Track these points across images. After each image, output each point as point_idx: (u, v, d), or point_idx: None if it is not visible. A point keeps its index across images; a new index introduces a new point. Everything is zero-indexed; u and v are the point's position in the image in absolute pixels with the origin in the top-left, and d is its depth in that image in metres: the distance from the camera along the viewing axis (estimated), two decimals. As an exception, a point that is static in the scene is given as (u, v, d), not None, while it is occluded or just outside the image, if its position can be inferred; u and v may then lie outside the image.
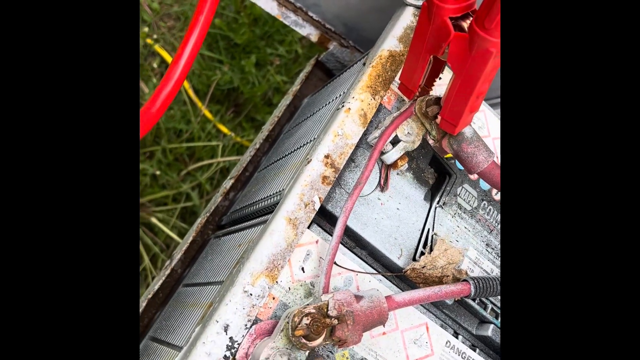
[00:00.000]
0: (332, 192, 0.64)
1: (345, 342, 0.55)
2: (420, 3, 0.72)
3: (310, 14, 0.99)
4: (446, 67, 0.65)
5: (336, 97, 0.77)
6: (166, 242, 1.44)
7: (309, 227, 0.61)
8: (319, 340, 0.54)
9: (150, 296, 0.92)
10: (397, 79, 0.69)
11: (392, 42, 0.70)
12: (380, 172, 0.67)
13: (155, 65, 1.55)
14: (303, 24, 1.00)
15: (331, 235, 0.62)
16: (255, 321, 0.57)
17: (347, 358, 0.62)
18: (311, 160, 0.62)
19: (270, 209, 0.71)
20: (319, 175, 0.62)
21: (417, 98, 0.65)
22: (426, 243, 0.68)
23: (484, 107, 0.76)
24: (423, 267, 0.66)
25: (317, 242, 0.61)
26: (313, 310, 0.54)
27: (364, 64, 0.71)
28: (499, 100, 1.03)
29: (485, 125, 0.76)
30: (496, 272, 0.73)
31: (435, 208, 0.70)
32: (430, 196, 0.70)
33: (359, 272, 0.64)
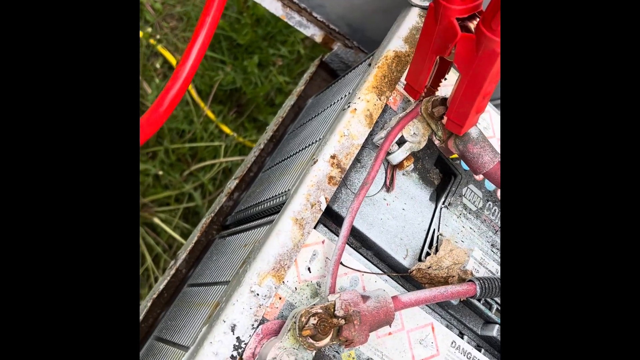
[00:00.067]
0: (338, 192, 0.64)
1: (352, 342, 0.55)
2: (425, 4, 0.72)
3: (315, 14, 0.99)
4: (451, 68, 0.65)
5: (341, 98, 0.77)
6: (169, 242, 1.44)
7: (315, 228, 0.61)
8: (326, 340, 0.54)
9: (155, 296, 0.92)
10: (402, 79, 0.69)
11: (397, 42, 0.70)
12: (386, 173, 0.67)
13: (158, 65, 1.55)
14: (307, 24, 1.00)
15: (337, 236, 0.62)
16: (262, 321, 0.57)
17: (354, 358, 0.62)
18: (317, 160, 0.62)
19: (276, 209, 0.71)
20: (325, 176, 0.62)
21: (423, 99, 0.65)
22: (432, 243, 0.68)
23: (489, 107, 0.76)
24: (429, 268, 0.66)
25: (323, 242, 0.62)
26: (320, 310, 0.54)
27: (370, 65, 0.71)
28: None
29: (491, 125, 0.76)
30: (501, 272, 0.73)
31: (441, 208, 0.70)
32: (436, 196, 0.71)
33: (364, 272, 0.64)
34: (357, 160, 0.66)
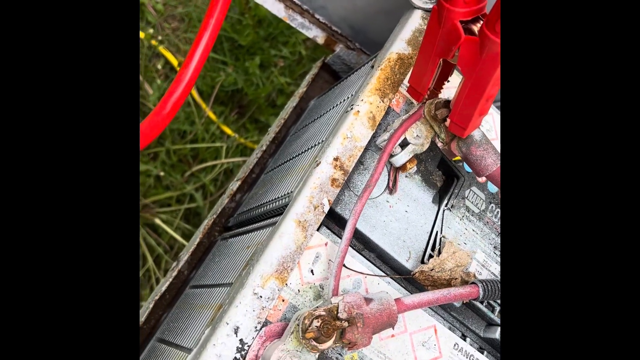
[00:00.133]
0: (341, 194, 0.64)
1: (355, 345, 0.55)
2: (428, 6, 0.72)
3: (317, 16, 0.99)
4: (454, 70, 0.65)
5: (344, 100, 0.77)
6: (170, 243, 1.44)
7: (318, 230, 0.61)
8: (329, 343, 0.54)
9: (157, 297, 0.92)
10: (405, 81, 0.69)
11: (400, 45, 0.70)
12: (389, 175, 0.67)
13: (159, 66, 1.55)
14: (310, 26, 1.00)
15: (340, 238, 0.62)
16: (265, 323, 0.57)
17: (356, 360, 0.62)
18: (320, 162, 0.62)
19: (279, 211, 0.71)
20: (328, 178, 0.62)
21: (426, 101, 0.65)
22: (434, 245, 0.68)
23: (492, 110, 0.76)
24: (431, 270, 0.66)
25: (326, 244, 0.62)
26: (323, 313, 0.54)
27: (372, 67, 0.71)
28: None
29: (493, 128, 0.76)
30: (504, 274, 0.73)
31: (444, 211, 0.70)
32: (439, 199, 0.71)
33: (367, 274, 0.64)
34: (360, 162, 0.66)
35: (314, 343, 0.53)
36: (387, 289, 0.65)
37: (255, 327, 0.56)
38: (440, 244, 0.68)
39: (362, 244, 0.67)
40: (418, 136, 0.65)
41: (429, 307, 0.70)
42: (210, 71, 1.57)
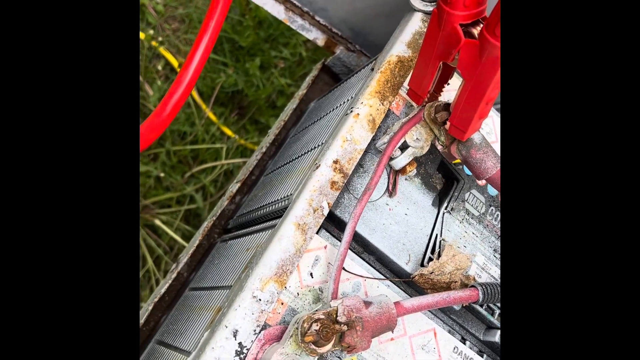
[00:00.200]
0: (340, 197, 0.64)
1: (355, 348, 0.55)
2: (428, 9, 0.72)
3: (317, 18, 0.99)
4: (454, 73, 0.65)
5: (344, 102, 0.77)
6: (170, 244, 1.44)
7: (317, 233, 0.61)
8: (328, 346, 0.54)
9: (156, 299, 0.92)
10: (405, 84, 0.69)
11: (400, 47, 0.70)
12: (389, 178, 0.67)
13: (159, 67, 1.55)
14: (310, 28, 1.00)
15: (340, 241, 0.62)
16: (264, 326, 0.57)
17: (356, 364, 0.62)
18: (320, 165, 0.62)
19: (278, 214, 0.71)
20: (328, 181, 0.62)
21: (426, 104, 0.65)
22: (434, 249, 0.68)
23: (492, 113, 0.76)
24: (431, 273, 0.66)
25: (325, 247, 0.61)
26: (322, 316, 0.54)
27: (372, 69, 0.71)
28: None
29: (493, 131, 0.76)
30: (503, 277, 0.73)
31: (443, 214, 0.70)
32: (438, 202, 0.70)
33: (367, 277, 0.64)
34: (359, 165, 0.66)
35: (313, 346, 0.53)
36: (386, 292, 0.65)
37: (254, 331, 0.56)
38: (440, 247, 0.68)
39: (362, 246, 0.67)
40: (418, 139, 0.64)
41: (429, 310, 0.70)
42: (211, 72, 1.57)
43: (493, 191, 0.74)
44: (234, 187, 1.01)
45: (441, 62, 0.60)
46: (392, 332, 0.62)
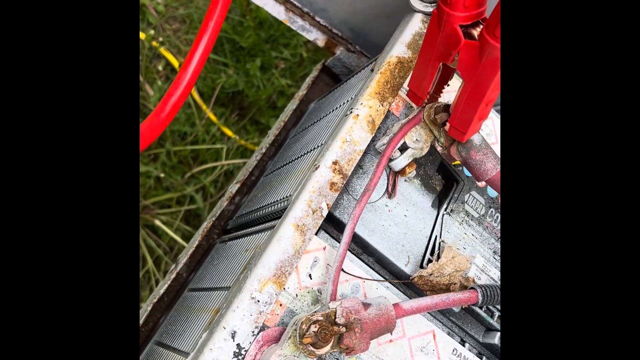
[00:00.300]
0: (339, 198, 0.64)
1: (353, 350, 0.55)
2: (428, 10, 0.72)
3: (318, 18, 0.99)
4: (454, 74, 0.65)
5: (344, 103, 0.77)
6: (170, 244, 1.44)
7: (316, 234, 0.61)
8: (327, 348, 0.54)
9: (155, 300, 0.91)
10: (405, 85, 0.69)
11: (400, 48, 0.70)
12: (388, 179, 0.67)
13: (160, 67, 1.55)
14: (310, 28, 1.00)
15: (339, 242, 0.62)
16: (263, 328, 0.57)
17: (354, 365, 0.61)
18: (319, 166, 0.62)
19: (278, 215, 0.70)
20: (327, 182, 0.62)
21: (426, 105, 0.64)
22: (433, 250, 0.68)
23: (492, 114, 0.76)
24: (430, 275, 0.65)
25: (324, 248, 0.61)
26: (321, 318, 0.54)
27: (372, 70, 0.71)
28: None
29: (493, 132, 0.76)
30: (503, 279, 0.73)
31: (443, 215, 0.69)
32: (438, 203, 0.70)
33: (366, 279, 0.64)
34: (359, 166, 0.66)
35: (312, 348, 0.53)
36: (385, 293, 0.65)
37: (253, 332, 0.56)
38: (439, 249, 0.68)
39: (361, 248, 0.67)
40: (417, 140, 0.64)
41: (428, 312, 0.70)
42: (211, 73, 1.57)
43: (493, 193, 0.74)
44: (233, 187, 1.00)
45: (441, 63, 0.59)
46: (391, 333, 0.62)
